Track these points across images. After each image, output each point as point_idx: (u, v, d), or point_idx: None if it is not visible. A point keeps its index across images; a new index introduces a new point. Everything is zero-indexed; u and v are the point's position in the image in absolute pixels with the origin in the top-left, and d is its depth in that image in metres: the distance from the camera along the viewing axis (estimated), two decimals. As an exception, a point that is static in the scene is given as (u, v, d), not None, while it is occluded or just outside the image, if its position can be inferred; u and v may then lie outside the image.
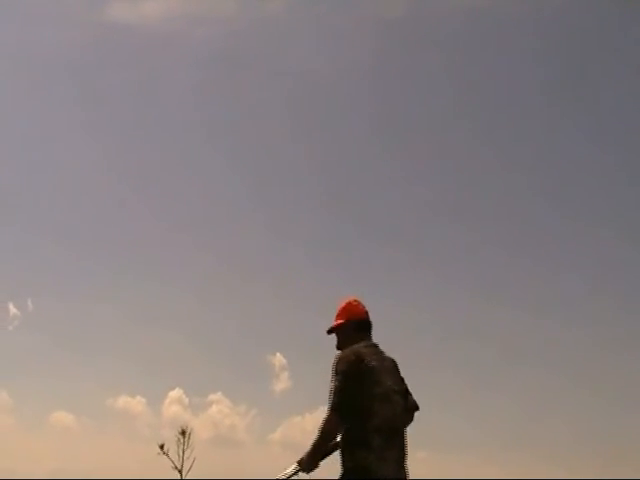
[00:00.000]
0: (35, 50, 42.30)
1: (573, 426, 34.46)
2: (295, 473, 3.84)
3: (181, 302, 38.82)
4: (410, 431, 3.82)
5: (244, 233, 41.00)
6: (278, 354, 33.94)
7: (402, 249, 39.57)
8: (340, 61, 39.52)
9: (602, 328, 35.81)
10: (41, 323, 37.91)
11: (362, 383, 3.68)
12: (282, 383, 34.18)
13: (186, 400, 32.77)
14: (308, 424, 34.03)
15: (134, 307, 38.54)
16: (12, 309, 35.59)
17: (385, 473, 3.58)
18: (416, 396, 3.94)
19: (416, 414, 3.95)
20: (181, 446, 28.69)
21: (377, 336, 4.00)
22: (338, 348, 3.98)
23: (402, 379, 3.90)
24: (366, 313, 4.01)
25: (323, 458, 3.82)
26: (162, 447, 28.56)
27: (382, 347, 3.93)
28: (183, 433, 28.56)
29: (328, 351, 3.99)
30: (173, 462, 28.90)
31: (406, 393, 3.88)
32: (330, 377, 3.76)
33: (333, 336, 4.04)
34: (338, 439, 3.73)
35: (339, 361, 3.75)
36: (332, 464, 3.78)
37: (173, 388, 32.89)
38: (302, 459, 3.83)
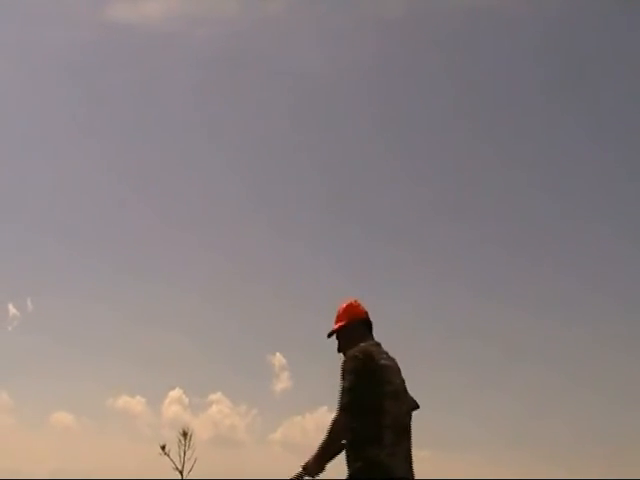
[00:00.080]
0: (35, 50, 42.36)
1: (575, 425, 34.49)
2: (300, 478, 3.77)
3: (181, 302, 38.86)
4: (412, 430, 3.80)
5: (245, 233, 41.04)
6: (278, 354, 33.97)
7: (404, 248, 39.60)
8: (341, 61, 39.59)
9: (603, 326, 35.86)
10: (41, 323, 37.94)
11: (373, 381, 3.69)
12: (282, 383, 34.22)
13: (186, 400, 32.80)
14: (308, 424, 34.06)
15: (134, 307, 38.58)
16: (12, 309, 35.61)
17: (396, 470, 3.59)
18: (418, 395, 3.94)
19: (417, 413, 3.93)
20: (182, 447, 28.71)
21: (379, 335, 4.00)
22: (340, 351, 3.96)
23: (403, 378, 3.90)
24: (367, 313, 4.02)
25: (330, 460, 3.78)
26: (163, 448, 28.57)
27: (384, 346, 3.92)
28: (185, 434, 28.58)
29: (328, 351, 3.99)
30: (174, 463, 28.92)
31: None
32: (340, 377, 3.75)
33: (333, 337, 4.02)
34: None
35: (349, 360, 3.74)
36: (336, 465, 3.77)
37: (173, 388, 32.92)
38: (308, 463, 3.75)
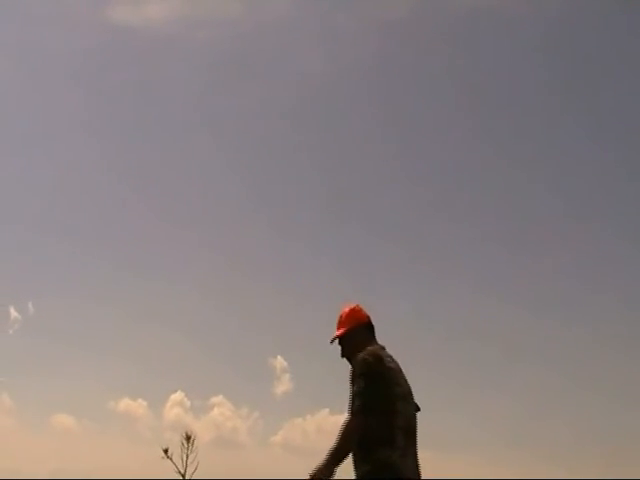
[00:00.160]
0: (37, 51, 42.45)
1: (575, 425, 34.46)
2: None
3: (182, 305, 38.85)
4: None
5: (246, 234, 41.07)
6: (279, 357, 33.95)
7: (404, 248, 39.63)
8: (342, 61, 39.66)
9: (603, 326, 35.85)
10: (42, 326, 37.92)
11: (384, 383, 3.70)
12: (283, 385, 34.21)
13: (188, 403, 32.77)
14: (309, 426, 34.07)
15: (135, 310, 38.58)
16: (13, 312, 35.60)
17: (406, 471, 3.64)
18: (417, 395, 3.95)
19: (417, 413, 3.94)
20: (185, 451, 28.73)
21: (379, 335, 4.02)
22: (344, 356, 3.96)
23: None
24: (369, 317, 4.03)
25: (340, 464, 3.72)
26: (166, 452, 28.55)
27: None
28: (188, 438, 28.57)
29: (329, 354, 3.99)
30: (177, 467, 28.94)
31: None
32: (350, 381, 3.74)
33: (335, 341, 4.01)
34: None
35: (359, 364, 3.74)
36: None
37: (175, 391, 32.88)
38: (319, 469, 3.67)
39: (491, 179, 41.19)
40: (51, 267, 41.98)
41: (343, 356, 3.97)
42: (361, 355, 3.77)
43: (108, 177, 41.67)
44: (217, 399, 33.58)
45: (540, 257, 38.79)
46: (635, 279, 37.84)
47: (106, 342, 38.19)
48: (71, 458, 31.13)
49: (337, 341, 3.99)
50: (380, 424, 3.63)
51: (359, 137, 41.10)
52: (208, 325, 39.54)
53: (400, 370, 3.84)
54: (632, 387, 34.87)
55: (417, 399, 3.91)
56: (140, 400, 34.22)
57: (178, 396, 32.98)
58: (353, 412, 3.65)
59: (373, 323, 4.02)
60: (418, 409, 3.92)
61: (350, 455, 3.69)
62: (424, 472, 3.76)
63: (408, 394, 3.81)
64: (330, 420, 32.15)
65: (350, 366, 3.89)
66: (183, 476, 29.04)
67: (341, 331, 3.96)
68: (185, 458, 28.37)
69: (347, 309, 4.02)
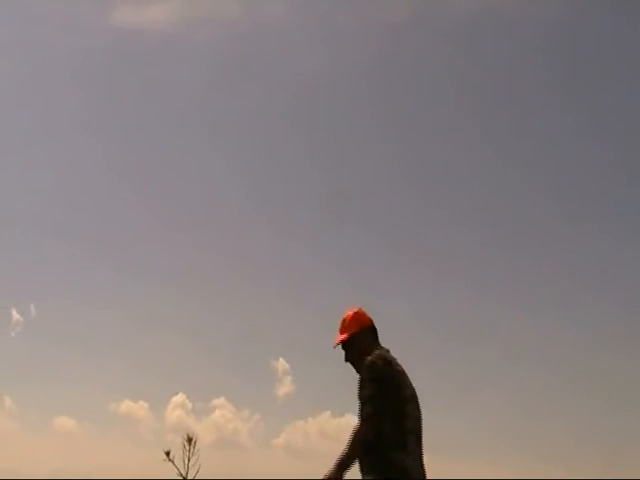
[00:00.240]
0: (39, 53, 42.50)
1: (576, 427, 34.40)
2: None
3: (184, 307, 38.85)
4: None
5: (247, 236, 41.05)
6: (281, 359, 33.93)
7: (406, 250, 39.59)
8: (343, 62, 39.66)
9: (603, 328, 35.78)
10: (44, 328, 37.88)
11: (394, 387, 3.71)
12: (285, 388, 34.14)
13: (189, 405, 32.74)
14: (311, 428, 34.01)
15: (137, 312, 38.52)
16: (15, 315, 35.57)
17: (416, 474, 3.66)
18: (419, 398, 3.92)
19: None
20: (186, 453, 28.73)
21: (381, 339, 4.01)
22: (349, 360, 3.94)
23: None
24: (372, 320, 4.01)
25: (349, 469, 3.73)
26: (168, 454, 28.55)
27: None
28: (189, 440, 28.58)
29: (330, 356, 3.97)
30: (178, 469, 28.95)
31: None
32: (359, 385, 3.73)
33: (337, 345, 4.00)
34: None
35: (368, 368, 3.73)
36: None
37: (176, 393, 32.83)
38: (331, 473, 3.66)
39: (491, 180, 41.21)
40: (53, 269, 42.01)
41: (347, 360, 3.95)
42: (370, 359, 3.76)
43: (109, 179, 41.70)
44: (219, 401, 33.55)
45: (539, 259, 38.78)
46: (635, 281, 37.74)
47: (108, 344, 38.18)
48: (73, 460, 31.11)
49: (340, 345, 3.97)
50: (392, 428, 3.63)
51: (359, 138, 41.11)
52: (209, 327, 39.52)
53: (405, 372, 3.84)
54: (632, 388, 34.81)
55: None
56: (141, 402, 34.20)
57: (179, 398, 32.97)
58: (365, 417, 3.63)
59: (376, 326, 4.00)
60: None
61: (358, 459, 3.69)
62: (428, 474, 3.77)
63: (415, 397, 3.81)
64: (332, 423, 32.15)
65: (354, 370, 3.90)
66: (185, 478, 29.05)
67: (345, 335, 3.92)
68: (187, 460, 28.40)
69: (350, 313, 3.99)
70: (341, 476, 3.66)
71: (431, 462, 3.79)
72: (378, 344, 3.93)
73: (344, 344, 3.94)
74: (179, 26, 40.36)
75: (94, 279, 40.41)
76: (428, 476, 3.78)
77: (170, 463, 28.79)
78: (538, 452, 32.53)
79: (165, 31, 40.62)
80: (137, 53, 43.10)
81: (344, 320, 3.99)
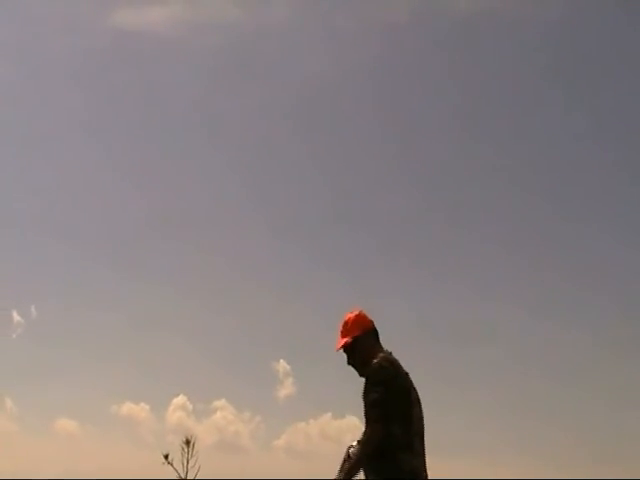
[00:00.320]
0: (40, 55, 42.44)
1: (577, 428, 34.38)
2: None
3: (185, 309, 38.80)
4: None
5: (248, 238, 40.98)
6: (282, 361, 33.91)
7: (406, 251, 39.54)
8: (344, 64, 39.57)
9: (603, 330, 35.72)
10: (45, 330, 37.80)
11: (401, 390, 3.71)
12: (286, 389, 34.09)
13: (190, 407, 32.73)
14: (312, 430, 33.96)
15: (137, 313, 38.43)
16: (16, 317, 35.54)
17: (424, 476, 3.72)
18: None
19: None
20: (185, 455, 28.76)
21: (384, 339, 4.00)
22: (352, 363, 3.92)
23: None
24: (373, 322, 3.99)
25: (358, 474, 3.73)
26: (167, 457, 28.54)
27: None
28: (187, 442, 28.59)
29: (332, 357, 3.96)
30: (177, 472, 28.97)
31: None
32: (366, 388, 3.71)
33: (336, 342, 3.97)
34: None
35: (375, 371, 3.72)
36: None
37: (177, 395, 32.83)
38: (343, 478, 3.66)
39: (492, 181, 41.13)
40: (53, 270, 41.87)
41: (350, 363, 3.93)
42: (376, 362, 3.75)
43: (110, 179, 41.61)
44: (219, 403, 33.52)
45: (540, 259, 38.68)
46: (635, 282, 37.71)
47: (109, 346, 38.14)
48: (74, 462, 31.09)
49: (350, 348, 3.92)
50: (401, 431, 3.64)
51: (360, 138, 41.05)
52: (210, 329, 39.49)
53: (409, 374, 3.84)
54: (633, 390, 34.78)
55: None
56: (142, 404, 34.15)
57: (180, 400, 32.93)
58: (374, 421, 3.61)
59: (377, 329, 3.98)
60: None
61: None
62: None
63: (419, 398, 3.82)
64: (333, 424, 32.09)
65: (356, 373, 3.89)
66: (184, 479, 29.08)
67: (348, 339, 3.89)
68: (186, 463, 28.43)
69: (352, 315, 3.96)
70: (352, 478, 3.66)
71: (430, 462, 3.81)
72: (380, 346, 3.90)
73: (347, 348, 3.91)
74: (180, 28, 40.37)
75: (95, 280, 40.33)
76: (428, 476, 3.79)
77: (172, 463, 28.88)
78: (538, 453, 32.47)
79: (166, 33, 40.60)
80: (137, 54, 43.06)
81: (346, 323, 3.95)
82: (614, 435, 32.21)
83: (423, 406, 3.88)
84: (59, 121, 41.93)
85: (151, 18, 38.12)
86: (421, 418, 3.79)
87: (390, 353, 3.86)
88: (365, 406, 3.69)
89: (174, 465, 28.86)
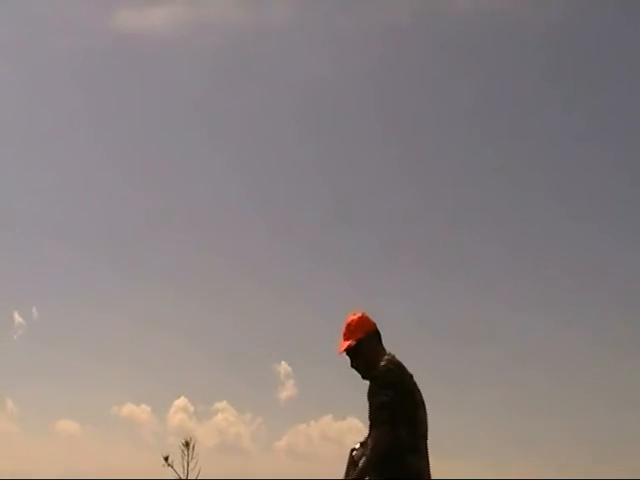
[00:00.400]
0: (40, 54, 42.52)
1: (577, 428, 34.37)
2: None
3: (186, 310, 38.80)
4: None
5: (249, 239, 40.98)
6: (283, 362, 33.91)
7: (407, 251, 39.55)
8: (345, 65, 39.57)
9: (604, 329, 35.71)
10: (46, 331, 37.80)
11: (408, 392, 3.72)
12: (287, 391, 34.10)
13: (191, 408, 32.72)
14: (313, 432, 33.96)
15: (138, 314, 38.43)
16: (17, 318, 35.56)
17: (429, 478, 3.73)
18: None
19: None
20: (185, 457, 28.76)
21: (385, 339, 3.99)
22: (356, 365, 3.90)
23: None
24: (376, 324, 3.97)
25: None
26: (167, 459, 28.56)
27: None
28: (187, 444, 28.60)
29: (333, 359, 3.94)
30: (178, 474, 28.98)
31: None
32: (372, 391, 3.70)
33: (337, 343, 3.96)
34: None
35: (384, 374, 3.71)
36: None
37: (178, 396, 32.83)
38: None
39: (492, 181, 41.15)
40: (54, 271, 41.85)
41: (353, 366, 3.91)
42: (384, 364, 3.74)
43: (110, 179, 41.63)
44: (221, 404, 33.52)
45: (540, 259, 38.68)
46: (636, 282, 37.68)
47: (110, 347, 38.13)
48: (75, 463, 31.10)
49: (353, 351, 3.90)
50: (408, 433, 3.65)
51: (361, 139, 41.07)
52: (211, 330, 39.48)
53: (413, 376, 3.85)
54: (634, 390, 34.75)
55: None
56: (144, 405, 34.17)
57: (182, 401, 32.95)
58: (383, 423, 3.61)
59: (379, 331, 3.97)
60: None
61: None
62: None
63: (423, 400, 3.82)
64: (334, 426, 32.08)
65: (358, 374, 3.88)
66: (185, 480, 29.08)
67: (352, 341, 3.86)
68: (186, 465, 28.42)
69: (355, 318, 3.93)
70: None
71: (431, 463, 3.81)
72: (383, 349, 3.89)
73: (350, 350, 3.88)
74: (180, 29, 40.40)
75: (96, 281, 40.35)
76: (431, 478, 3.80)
77: (172, 465, 28.87)
78: (538, 453, 32.47)
79: (166, 33, 40.62)
80: (138, 55, 43.10)
81: (348, 325, 3.92)
82: (614, 435, 32.22)
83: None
84: (59, 121, 41.96)
85: (152, 19, 38.17)
86: (425, 420, 3.79)
87: (393, 355, 3.85)
88: (372, 408, 3.68)
89: (174, 467, 28.90)
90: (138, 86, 40.75)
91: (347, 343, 3.87)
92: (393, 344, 3.98)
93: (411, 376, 3.81)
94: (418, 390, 3.80)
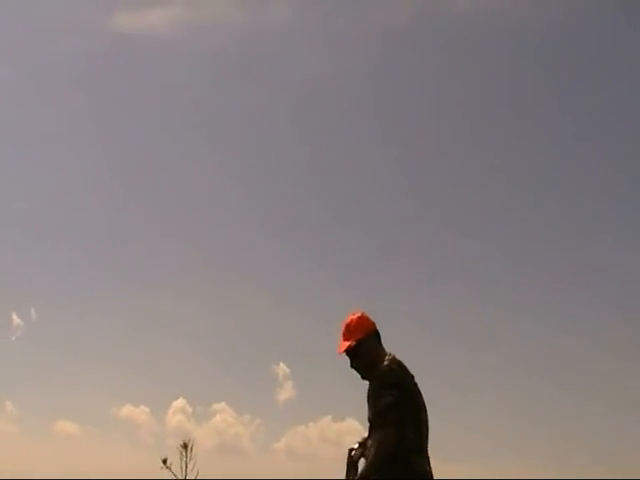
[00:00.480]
0: (40, 55, 42.53)
1: (577, 430, 34.39)
2: None
3: (185, 311, 38.78)
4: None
5: (248, 240, 40.99)
6: (282, 364, 33.91)
7: (406, 254, 39.55)
8: (345, 66, 39.57)
9: (604, 334, 35.74)
10: (45, 332, 37.80)
11: (411, 393, 3.72)
12: (286, 393, 34.08)
13: (190, 410, 32.72)
14: (312, 433, 33.96)
15: (138, 316, 38.42)
16: (15, 319, 35.54)
17: (431, 477, 3.74)
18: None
19: None
20: (184, 458, 28.79)
21: (385, 341, 3.96)
22: (356, 366, 3.86)
23: None
24: (375, 324, 3.94)
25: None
26: (165, 462, 28.59)
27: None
28: (185, 446, 28.64)
29: (331, 360, 3.92)
30: (176, 476, 28.98)
31: None
32: (375, 392, 3.68)
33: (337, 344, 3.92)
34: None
35: (387, 374, 3.69)
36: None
37: (177, 398, 32.82)
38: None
39: (492, 181, 41.16)
40: (53, 272, 41.79)
41: (353, 367, 3.88)
42: (387, 364, 3.72)
43: (110, 180, 41.65)
44: (219, 406, 33.49)
45: (540, 263, 38.67)
46: (636, 284, 37.69)
47: (108, 348, 38.12)
48: (74, 464, 31.07)
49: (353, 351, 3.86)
50: (414, 434, 3.64)
51: (361, 140, 41.03)
52: (210, 332, 39.46)
53: (414, 377, 3.83)
54: (633, 393, 34.77)
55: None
56: (142, 407, 34.15)
57: (180, 403, 32.93)
58: (389, 424, 3.57)
59: (379, 331, 3.94)
60: None
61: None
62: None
63: (424, 401, 3.81)
64: (333, 427, 32.06)
65: (358, 376, 3.85)
66: (183, 481, 29.08)
67: (351, 342, 3.83)
68: (185, 467, 28.44)
69: (354, 318, 3.90)
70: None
71: (432, 465, 3.78)
72: (383, 349, 3.86)
73: (350, 351, 3.85)
74: (180, 29, 40.38)
75: (95, 282, 40.33)
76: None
77: (171, 466, 28.87)
78: (539, 455, 32.48)
79: (166, 34, 40.62)
80: (138, 55, 43.12)
81: (348, 325, 3.88)
82: (614, 437, 32.24)
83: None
84: (59, 121, 41.92)
85: (151, 19, 38.15)
86: (427, 421, 3.78)
87: (394, 356, 3.82)
88: (376, 409, 3.64)
89: (172, 469, 28.90)
90: (138, 86, 40.75)
91: (347, 343, 3.84)
92: (392, 346, 3.95)
93: (412, 377, 3.79)
94: (419, 391, 3.78)
